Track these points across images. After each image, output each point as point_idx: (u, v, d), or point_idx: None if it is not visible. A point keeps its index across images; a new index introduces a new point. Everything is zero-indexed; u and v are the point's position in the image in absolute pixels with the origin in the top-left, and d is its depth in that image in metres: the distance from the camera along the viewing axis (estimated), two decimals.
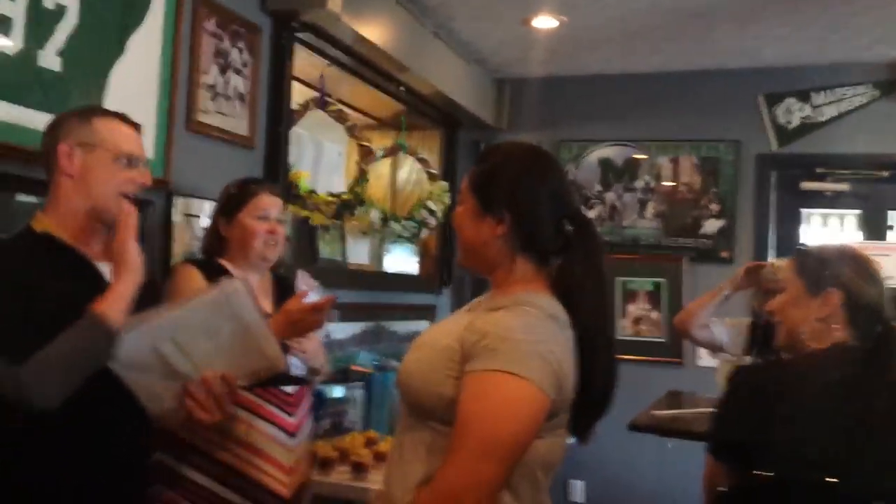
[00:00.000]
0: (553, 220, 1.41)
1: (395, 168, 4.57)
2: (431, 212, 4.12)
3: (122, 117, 1.75)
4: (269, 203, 2.19)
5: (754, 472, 1.59)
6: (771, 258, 3.76)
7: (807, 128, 4.23)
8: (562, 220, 1.42)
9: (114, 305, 1.56)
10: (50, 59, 2.06)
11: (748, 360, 2.66)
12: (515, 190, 1.41)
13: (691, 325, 3.03)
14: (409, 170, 4.56)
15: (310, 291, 2.12)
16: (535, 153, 1.50)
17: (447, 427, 1.31)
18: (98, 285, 1.67)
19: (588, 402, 1.39)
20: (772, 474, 1.56)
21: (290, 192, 3.12)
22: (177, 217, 2.51)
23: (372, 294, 3.85)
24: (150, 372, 1.60)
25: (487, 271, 1.47)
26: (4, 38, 1.93)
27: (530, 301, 1.36)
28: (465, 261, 1.50)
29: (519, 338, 1.28)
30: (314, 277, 2.21)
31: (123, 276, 1.61)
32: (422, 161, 4.34)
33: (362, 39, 3.19)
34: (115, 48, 2.26)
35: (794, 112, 4.25)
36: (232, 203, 2.18)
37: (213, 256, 2.20)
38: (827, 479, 1.52)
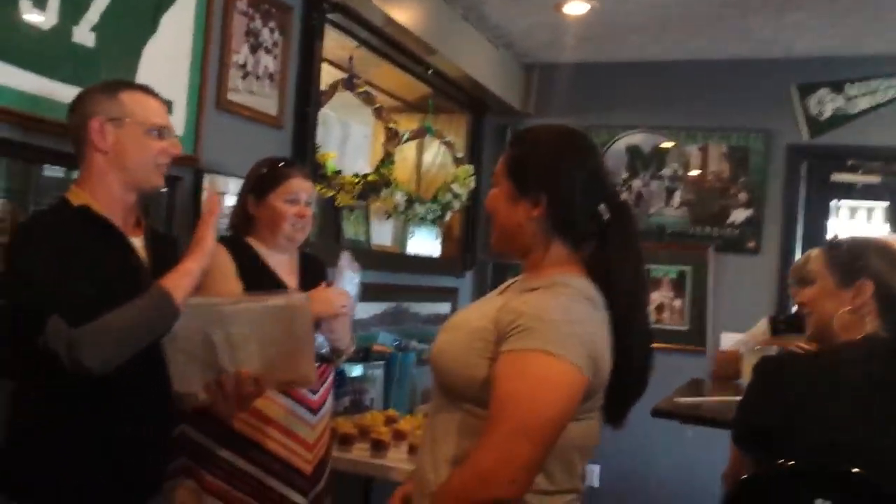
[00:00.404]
0: (589, 203, 1.40)
1: (420, 151, 4.57)
2: (456, 195, 4.13)
3: (147, 89, 1.76)
4: (301, 187, 2.18)
5: (779, 461, 1.58)
6: (807, 250, 3.71)
7: (839, 119, 4.17)
8: (598, 204, 1.41)
9: (180, 282, 1.60)
10: (84, 34, 2.08)
11: (774, 349, 2.65)
12: (552, 172, 1.40)
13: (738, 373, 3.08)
14: (434, 153, 4.56)
15: (351, 273, 2.14)
16: (572, 135, 1.48)
17: (480, 408, 1.30)
18: (131, 259, 1.70)
19: (623, 385, 1.38)
20: (797, 463, 1.56)
21: (317, 173, 3.13)
22: (205, 194, 2.53)
23: (395, 275, 3.87)
24: (191, 352, 1.62)
25: (521, 255, 1.46)
26: (40, 13, 1.96)
27: (566, 282, 1.35)
28: (499, 244, 1.48)
29: (556, 318, 1.27)
30: (340, 259, 2.23)
31: (196, 255, 1.65)
32: (447, 144, 4.34)
33: (392, 21, 3.18)
34: (149, 26, 2.28)
35: (826, 103, 4.19)
36: (263, 183, 2.17)
37: (241, 234, 2.21)
38: (852, 468, 1.51)
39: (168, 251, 1.85)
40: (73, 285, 1.53)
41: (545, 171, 1.40)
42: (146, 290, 1.66)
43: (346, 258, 2.21)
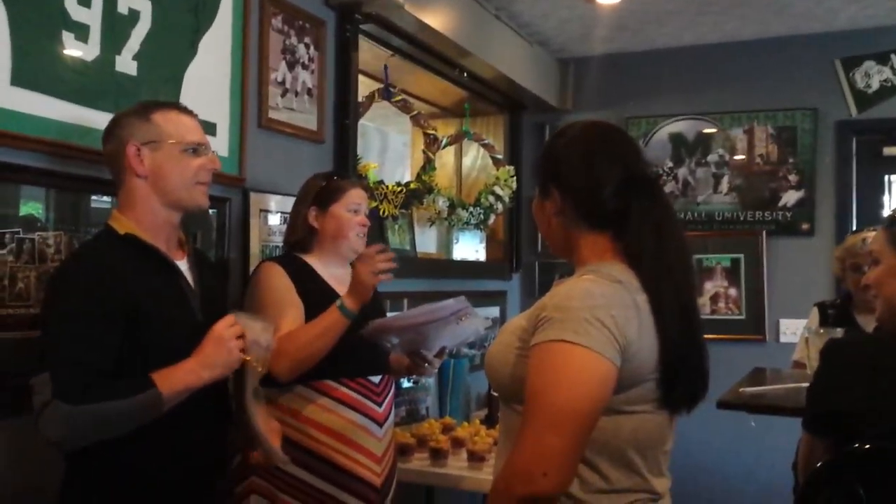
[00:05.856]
0: (607, 185, 1.36)
1: (460, 155, 4.57)
2: (498, 197, 4.10)
3: (180, 107, 1.76)
4: (361, 197, 2.25)
5: (854, 444, 1.53)
6: (862, 231, 3.59)
7: (887, 91, 4.05)
8: (620, 185, 1.36)
9: (176, 386, 1.55)
10: (126, 63, 2.10)
11: (839, 332, 2.57)
12: (556, 163, 1.41)
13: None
14: (474, 156, 4.56)
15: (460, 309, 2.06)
16: (585, 125, 1.47)
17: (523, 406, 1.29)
18: (180, 283, 1.70)
19: (672, 372, 1.31)
20: (873, 445, 1.51)
21: None
22: (252, 213, 2.55)
23: (441, 282, 3.86)
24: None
25: (566, 255, 1.45)
26: (83, 45, 1.98)
27: (596, 269, 1.33)
28: (552, 249, 1.50)
29: (575, 305, 1.25)
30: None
31: (206, 370, 1.59)
32: (487, 146, 4.33)
33: (425, 27, 3.18)
34: (188, 50, 2.30)
35: (873, 76, 4.08)
36: (326, 195, 2.21)
37: (294, 252, 2.23)
38: None
39: (212, 271, 1.86)
40: (82, 352, 1.50)
41: (550, 164, 1.43)
42: (193, 315, 1.67)
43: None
